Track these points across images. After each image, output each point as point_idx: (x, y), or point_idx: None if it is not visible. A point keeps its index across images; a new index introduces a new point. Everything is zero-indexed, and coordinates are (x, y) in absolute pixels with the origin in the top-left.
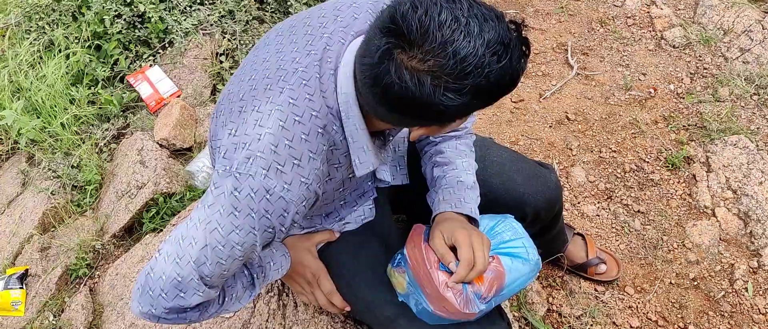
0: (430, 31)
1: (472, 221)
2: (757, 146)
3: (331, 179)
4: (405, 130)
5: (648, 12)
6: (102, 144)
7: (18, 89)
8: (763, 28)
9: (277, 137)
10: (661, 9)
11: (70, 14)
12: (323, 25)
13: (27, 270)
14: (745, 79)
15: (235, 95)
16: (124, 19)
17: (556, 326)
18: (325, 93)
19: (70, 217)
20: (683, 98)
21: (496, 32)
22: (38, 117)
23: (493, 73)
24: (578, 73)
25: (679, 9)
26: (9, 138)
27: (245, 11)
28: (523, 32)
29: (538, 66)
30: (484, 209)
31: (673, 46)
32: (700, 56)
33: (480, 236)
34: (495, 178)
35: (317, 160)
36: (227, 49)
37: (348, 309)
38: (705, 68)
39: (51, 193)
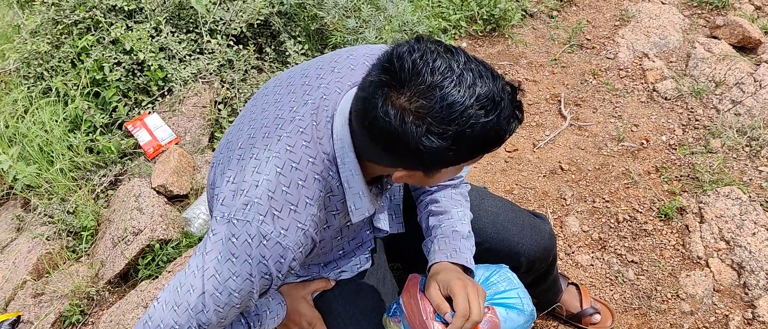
0: (421, 74)
1: (468, 271)
2: (750, 197)
3: (328, 227)
4: None
5: (640, 64)
6: (99, 190)
7: (14, 135)
8: (755, 81)
9: (274, 184)
10: (653, 61)
11: (69, 61)
12: (320, 77)
13: (19, 317)
14: (736, 131)
15: (233, 143)
16: (124, 67)
17: None
18: (322, 140)
19: (64, 263)
20: (675, 149)
21: (488, 88)
22: (35, 163)
23: (478, 126)
24: (571, 124)
25: (671, 61)
26: (4, 183)
27: (244, 61)
28: (517, 96)
29: (532, 116)
30: (478, 258)
31: (665, 98)
32: (692, 108)
33: (475, 286)
34: (489, 228)
35: (314, 206)
36: (226, 98)
37: None
38: (697, 120)
39: (46, 238)
